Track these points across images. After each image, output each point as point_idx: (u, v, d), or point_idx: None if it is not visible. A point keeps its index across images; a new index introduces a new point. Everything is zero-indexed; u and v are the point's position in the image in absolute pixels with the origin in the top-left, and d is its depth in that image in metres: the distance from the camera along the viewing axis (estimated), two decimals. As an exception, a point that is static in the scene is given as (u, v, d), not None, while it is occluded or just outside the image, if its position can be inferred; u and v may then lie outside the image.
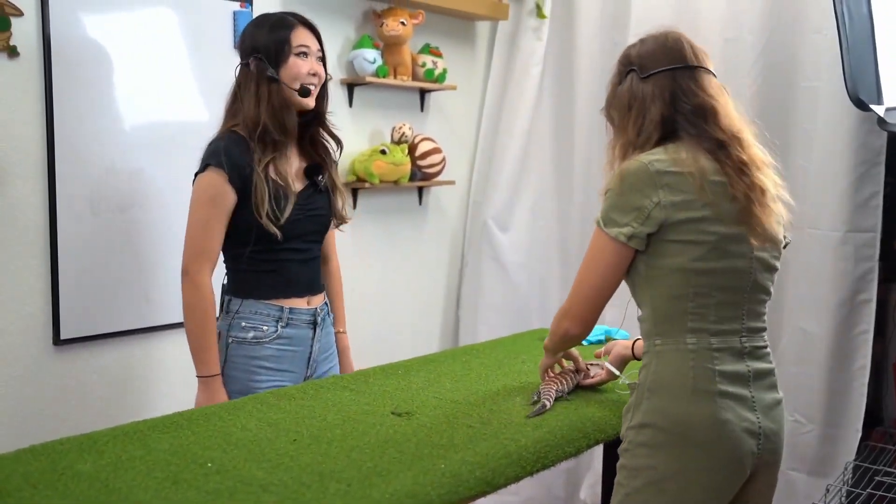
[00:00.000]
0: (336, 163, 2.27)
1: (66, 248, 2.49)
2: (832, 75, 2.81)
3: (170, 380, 2.78)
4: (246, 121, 2.09)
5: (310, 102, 2.15)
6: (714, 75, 1.71)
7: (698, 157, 1.62)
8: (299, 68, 2.11)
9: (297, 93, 2.11)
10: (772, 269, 1.69)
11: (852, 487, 2.58)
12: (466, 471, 1.54)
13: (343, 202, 2.27)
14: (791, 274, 2.98)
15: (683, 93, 1.65)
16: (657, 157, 1.62)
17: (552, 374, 1.98)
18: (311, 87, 2.13)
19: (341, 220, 2.28)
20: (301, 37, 2.13)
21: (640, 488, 1.64)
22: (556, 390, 1.93)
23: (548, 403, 1.88)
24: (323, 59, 2.19)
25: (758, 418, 1.63)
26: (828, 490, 2.62)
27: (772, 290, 1.70)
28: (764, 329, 1.70)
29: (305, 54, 2.12)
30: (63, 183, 2.47)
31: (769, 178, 1.67)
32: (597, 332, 2.49)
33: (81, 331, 2.56)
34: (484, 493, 1.54)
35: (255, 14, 2.80)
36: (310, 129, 2.23)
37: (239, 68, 2.15)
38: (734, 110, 1.69)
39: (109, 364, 2.65)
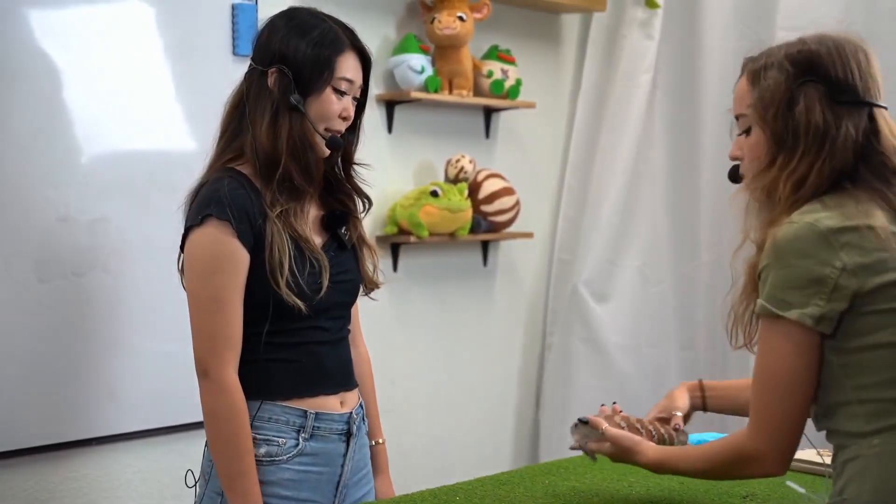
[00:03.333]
0: (362, 216, 2.26)
1: (1, 325, 2.50)
2: None
3: (139, 509, 2.76)
4: (258, 154, 2.06)
5: (327, 152, 2.14)
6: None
7: (869, 207, 1.66)
8: (332, 107, 2.09)
9: (322, 139, 2.09)
10: None
11: None
12: None
13: (375, 262, 2.25)
14: None
15: (878, 137, 1.68)
16: (818, 214, 1.66)
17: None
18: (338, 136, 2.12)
19: (372, 286, 2.26)
20: (349, 65, 2.09)
21: None
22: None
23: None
24: (361, 97, 2.18)
25: None
26: None
27: None
28: None
29: (344, 92, 2.11)
30: (-1, 238, 2.51)
31: None
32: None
33: (18, 441, 2.55)
34: None
35: (262, 9, 2.80)
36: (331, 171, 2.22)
37: (250, 73, 2.12)
38: None
39: (56, 487, 2.63)
